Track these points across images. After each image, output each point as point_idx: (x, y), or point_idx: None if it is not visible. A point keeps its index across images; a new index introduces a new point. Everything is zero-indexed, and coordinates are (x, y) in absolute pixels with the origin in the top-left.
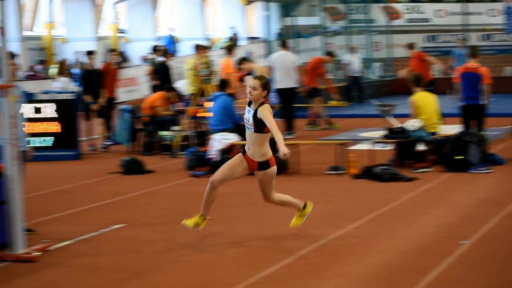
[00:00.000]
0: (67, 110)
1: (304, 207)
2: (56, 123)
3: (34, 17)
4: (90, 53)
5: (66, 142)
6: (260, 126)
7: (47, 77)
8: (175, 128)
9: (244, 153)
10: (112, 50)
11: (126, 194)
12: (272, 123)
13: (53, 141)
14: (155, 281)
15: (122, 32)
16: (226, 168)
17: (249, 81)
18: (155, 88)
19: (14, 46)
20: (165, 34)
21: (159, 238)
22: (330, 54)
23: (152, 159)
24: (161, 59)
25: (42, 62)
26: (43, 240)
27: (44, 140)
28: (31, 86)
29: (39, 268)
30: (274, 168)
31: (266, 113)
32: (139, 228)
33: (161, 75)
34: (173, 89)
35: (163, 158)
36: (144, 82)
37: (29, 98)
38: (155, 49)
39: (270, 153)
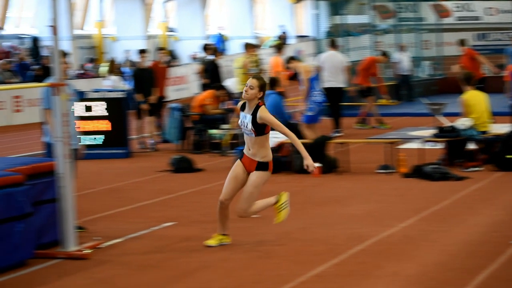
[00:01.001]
0: (118, 109)
1: (277, 201)
2: (107, 121)
3: (84, 15)
4: (142, 51)
5: (116, 140)
6: (260, 129)
7: (97, 76)
8: (225, 126)
9: (241, 157)
10: (161, 49)
11: (176, 192)
12: (282, 127)
13: (104, 139)
14: (206, 279)
15: (171, 31)
16: (230, 181)
17: (247, 80)
18: (204, 87)
19: (65, 44)
20: (214, 33)
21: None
22: (384, 54)
23: (201, 158)
24: (210, 57)
25: (92, 60)
26: (94, 238)
27: (95, 138)
28: (82, 85)
29: (90, 266)
30: (269, 174)
31: (270, 117)
32: (189, 226)
33: (211, 74)
34: (222, 88)
35: (212, 156)
36: (193, 81)
37: (80, 96)
38: (205, 48)
39: (271, 155)
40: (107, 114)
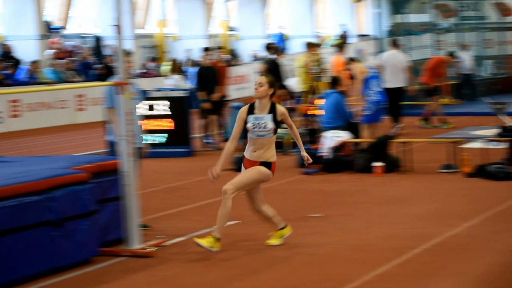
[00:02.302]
0: (180, 107)
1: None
2: (169, 120)
3: (146, 15)
4: (206, 49)
5: (179, 139)
6: (277, 127)
7: (159, 75)
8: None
9: (242, 162)
10: (219, 48)
11: None
12: (290, 119)
13: (167, 138)
14: (270, 277)
15: (232, 30)
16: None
17: (256, 78)
18: None
19: (127, 43)
20: (275, 32)
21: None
22: (451, 54)
23: None
24: (272, 56)
25: (154, 59)
26: (158, 236)
27: (158, 137)
28: (144, 84)
29: (154, 264)
30: (271, 174)
31: (287, 115)
32: (252, 225)
33: (272, 73)
34: (284, 87)
35: None
36: (254, 80)
37: (143, 95)
38: (268, 47)
39: (275, 157)
40: (170, 113)
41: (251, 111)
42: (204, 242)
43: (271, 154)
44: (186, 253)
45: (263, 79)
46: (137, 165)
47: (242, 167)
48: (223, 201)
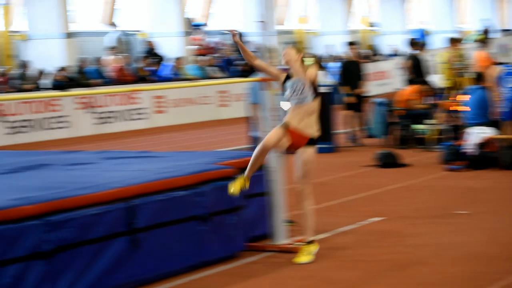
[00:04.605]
0: (323, 103)
1: (309, 243)
2: None
3: (286, 11)
4: (351, 43)
5: (322, 135)
6: (315, 91)
7: None
8: (429, 121)
9: (286, 128)
10: (352, 43)
11: (383, 187)
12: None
13: None
14: (416, 274)
15: (373, 26)
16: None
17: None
18: (410, 82)
19: (270, 40)
20: (416, 27)
21: (419, 232)
22: None
23: (406, 153)
24: (414, 52)
25: None
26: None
27: None
28: None
29: None
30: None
31: (315, 78)
32: (398, 222)
33: (415, 69)
34: (426, 83)
35: (417, 151)
36: (396, 75)
37: None
38: (411, 43)
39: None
40: None
41: (287, 79)
42: (305, 257)
43: (317, 126)
44: (332, 249)
45: (286, 49)
46: (283, 161)
47: (281, 130)
48: (306, 202)
